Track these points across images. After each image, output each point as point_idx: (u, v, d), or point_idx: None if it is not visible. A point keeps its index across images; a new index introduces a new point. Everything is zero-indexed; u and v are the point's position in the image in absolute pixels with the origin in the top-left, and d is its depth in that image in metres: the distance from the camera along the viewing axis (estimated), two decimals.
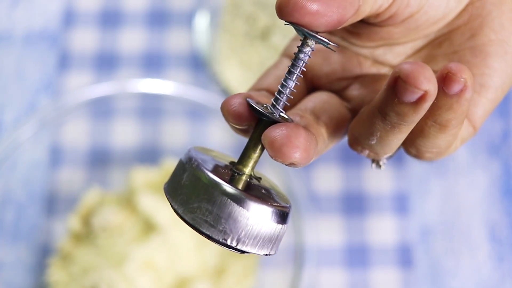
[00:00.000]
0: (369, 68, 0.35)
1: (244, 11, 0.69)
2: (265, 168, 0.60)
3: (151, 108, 0.69)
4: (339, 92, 0.35)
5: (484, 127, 0.71)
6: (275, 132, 0.28)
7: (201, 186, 0.28)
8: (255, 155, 0.31)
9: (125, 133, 0.69)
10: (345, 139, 0.34)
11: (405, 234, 0.66)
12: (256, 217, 0.28)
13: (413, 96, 0.26)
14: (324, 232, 0.67)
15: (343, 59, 0.35)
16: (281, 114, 0.30)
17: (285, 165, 0.29)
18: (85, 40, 0.74)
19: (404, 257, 0.65)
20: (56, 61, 0.74)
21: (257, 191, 0.30)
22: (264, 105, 0.31)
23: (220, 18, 0.68)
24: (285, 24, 0.27)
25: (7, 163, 0.58)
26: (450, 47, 0.34)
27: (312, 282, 0.54)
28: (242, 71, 0.67)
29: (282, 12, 0.27)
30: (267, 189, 0.31)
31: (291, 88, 0.30)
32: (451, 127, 0.29)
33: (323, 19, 0.27)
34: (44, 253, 0.64)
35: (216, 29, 0.68)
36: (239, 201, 0.28)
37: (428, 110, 0.28)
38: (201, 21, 0.64)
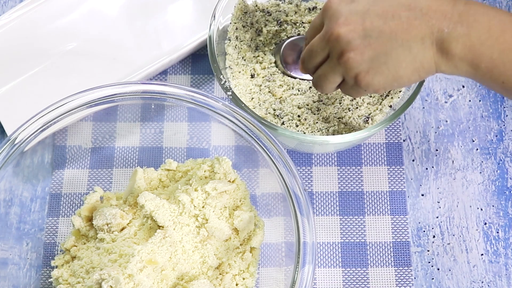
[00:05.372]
0: None
1: (253, 19, 0.69)
2: (264, 170, 0.61)
3: (154, 110, 0.69)
4: None
5: (479, 128, 0.71)
6: None
7: None
8: None
9: (128, 134, 0.70)
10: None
11: (402, 234, 0.67)
12: None
13: None
14: (323, 231, 0.67)
15: None
16: None
17: None
18: None
19: (401, 256, 0.66)
20: None
21: None
22: None
23: (229, 26, 0.68)
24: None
25: (11, 163, 0.58)
26: None
27: (311, 281, 0.54)
28: (250, 77, 0.67)
29: None
30: None
31: None
32: None
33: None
34: (48, 253, 0.65)
35: (225, 36, 0.68)
36: None
37: None
38: (211, 28, 0.64)
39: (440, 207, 0.68)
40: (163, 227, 0.59)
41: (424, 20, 0.50)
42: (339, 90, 0.59)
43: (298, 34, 0.70)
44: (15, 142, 0.58)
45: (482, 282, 0.65)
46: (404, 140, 0.71)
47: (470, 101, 0.73)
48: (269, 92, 0.66)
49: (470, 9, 0.50)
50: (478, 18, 0.50)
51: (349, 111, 0.65)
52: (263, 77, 0.67)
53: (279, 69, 0.68)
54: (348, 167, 0.69)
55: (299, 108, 0.65)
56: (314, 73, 0.57)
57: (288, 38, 0.69)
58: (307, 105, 0.65)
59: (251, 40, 0.69)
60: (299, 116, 0.64)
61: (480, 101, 0.73)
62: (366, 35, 0.51)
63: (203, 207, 0.61)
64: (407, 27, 0.50)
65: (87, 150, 0.69)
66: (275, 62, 0.69)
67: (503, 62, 0.50)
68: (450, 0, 0.51)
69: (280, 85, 0.66)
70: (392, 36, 0.50)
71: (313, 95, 0.66)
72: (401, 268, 0.65)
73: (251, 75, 0.67)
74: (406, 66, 0.51)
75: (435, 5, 0.50)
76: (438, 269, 0.66)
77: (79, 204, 0.67)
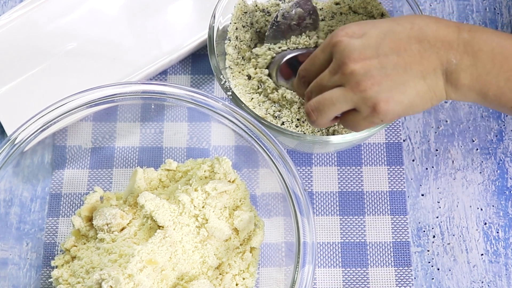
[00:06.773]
0: None
1: (253, 19, 0.69)
2: (264, 170, 0.61)
3: (154, 110, 0.69)
4: None
5: (479, 128, 0.71)
6: None
7: None
8: None
9: (128, 134, 0.70)
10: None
11: (402, 234, 0.67)
12: None
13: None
14: (323, 231, 0.67)
15: None
16: None
17: None
18: None
19: (401, 256, 0.66)
20: None
21: None
22: None
23: (229, 26, 0.68)
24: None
25: (11, 163, 0.58)
26: None
27: (311, 281, 0.54)
28: (248, 78, 0.67)
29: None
30: None
31: None
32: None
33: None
34: (48, 253, 0.65)
35: (225, 36, 0.68)
36: None
37: None
38: (211, 28, 0.64)
39: (440, 207, 0.68)
40: (163, 227, 0.59)
41: (434, 51, 0.51)
42: None
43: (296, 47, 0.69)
44: (15, 142, 0.58)
45: (482, 282, 0.65)
46: (404, 140, 0.71)
47: None
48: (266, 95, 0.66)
49: (474, 38, 0.52)
50: (482, 47, 0.51)
51: None
52: (257, 81, 0.67)
53: (273, 82, 0.66)
54: (348, 167, 0.69)
55: (298, 109, 0.65)
56: (314, 98, 0.55)
57: (285, 52, 0.67)
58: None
59: (251, 40, 0.69)
60: (298, 119, 0.64)
61: None
62: (382, 67, 0.51)
63: (203, 207, 0.61)
64: (420, 59, 0.51)
65: (87, 150, 0.69)
66: (269, 74, 0.67)
67: (510, 89, 0.52)
68: (455, 28, 0.52)
69: (274, 88, 0.66)
70: (407, 67, 0.51)
71: None
72: (401, 268, 0.65)
73: (248, 76, 0.67)
74: (422, 95, 0.52)
75: (441, 35, 0.52)
76: (438, 269, 0.66)
77: (79, 204, 0.67)
